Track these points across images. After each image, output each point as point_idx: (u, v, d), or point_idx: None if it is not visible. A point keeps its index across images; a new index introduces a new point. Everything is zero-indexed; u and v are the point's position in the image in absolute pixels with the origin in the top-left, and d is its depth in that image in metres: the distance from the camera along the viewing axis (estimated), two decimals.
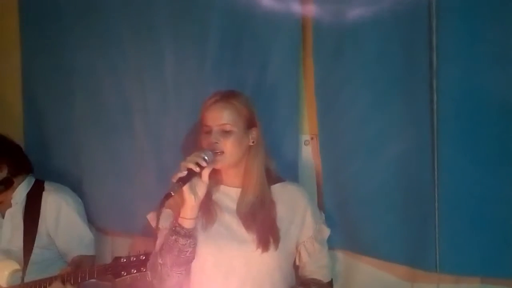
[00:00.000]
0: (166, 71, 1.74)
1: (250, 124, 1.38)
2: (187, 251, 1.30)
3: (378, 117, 1.43)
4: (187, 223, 1.30)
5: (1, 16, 2.31)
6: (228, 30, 1.63)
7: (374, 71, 1.41)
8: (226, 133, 1.33)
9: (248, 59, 1.61)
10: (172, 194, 1.21)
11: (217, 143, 1.32)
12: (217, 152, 1.32)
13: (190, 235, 1.30)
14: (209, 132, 1.34)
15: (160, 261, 1.31)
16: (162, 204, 1.20)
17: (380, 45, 1.40)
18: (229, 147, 1.33)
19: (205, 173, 1.29)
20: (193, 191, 1.28)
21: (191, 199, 1.28)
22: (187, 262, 1.32)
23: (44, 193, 1.89)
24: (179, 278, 1.33)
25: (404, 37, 1.37)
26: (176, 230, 1.30)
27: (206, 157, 1.27)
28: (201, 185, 1.30)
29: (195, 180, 1.27)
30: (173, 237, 1.29)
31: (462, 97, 1.30)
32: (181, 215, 1.31)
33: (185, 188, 1.26)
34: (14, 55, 2.26)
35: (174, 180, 1.23)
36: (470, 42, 1.28)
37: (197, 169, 1.25)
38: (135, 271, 1.53)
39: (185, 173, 1.24)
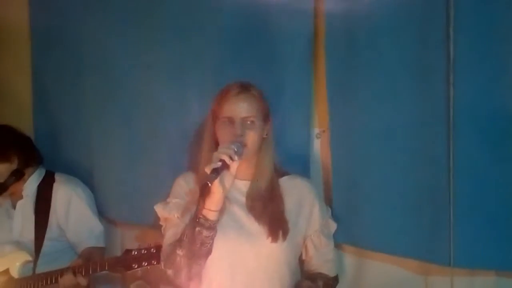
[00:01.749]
0: (178, 63, 1.73)
1: (266, 116, 1.38)
2: (209, 243, 1.30)
3: (392, 110, 1.40)
4: (212, 215, 1.29)
5: (10, 9, 2.31)
6: (239, 23, 1.60)
7: (388, 63, 1.38)
8: (249, 125, 1.33)
9: (259, 51, 1.59)
10: (210, 184, 1.21)
11: (242, 135, 1.31)
12: (244, 145, 1.31)
13: (213, 227, 1.30)
14: (230, 124, 1.32)
15: (179, 252, 1.30)
16: (201, 195, 1.21)
17: (394, 37, 1.36)
18: (252, 139, 1.33)
19: (234, 166, 1.28)
20: (222, 183, 1.27)
21: (219, 191, 1.27)
22: (207, 254, 1.32)
23: (54, 185, 1.90)
24: (198, 270, 1.33)
25: (419, 28, 1.33)
26: (200, 222, 1.29)
27: (236, 149, 1.26)
28: (229, 178, 1.29)
29: (223, 172, 1.26)
30: (197, 229, 1.28)
31: (479, 89, 1.27)
32: (206, 207, 1.29)
33: (215, 180, 1.24)
34: (23, 47, 2.26)
35: (208, 171, 1.22)
36: (489, 33, 1.24)
37: (230, 162, 1.24)
38: (146, 263, 1.53)
39: (219, 164, 1.23)
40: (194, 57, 1.69)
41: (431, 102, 1.33)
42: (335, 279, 1.47)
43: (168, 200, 1.45)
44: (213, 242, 1.31)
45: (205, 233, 1.28)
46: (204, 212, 1.29)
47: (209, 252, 1.31)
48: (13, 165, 1.83)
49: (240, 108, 1.32)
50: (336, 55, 1.48)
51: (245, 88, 1.35)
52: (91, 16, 1.95)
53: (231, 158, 1.24)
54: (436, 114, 1.32)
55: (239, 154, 1.27)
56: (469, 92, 1.28)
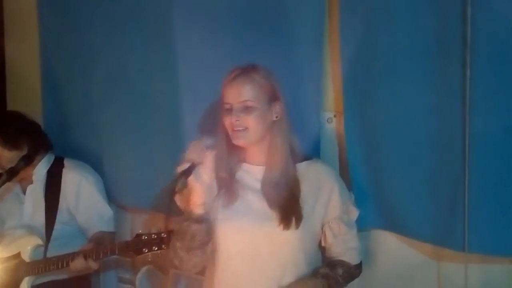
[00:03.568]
0: (187, 47, 1.71)
1: (273, 97, 1.33)
2: (200, 236, 1.30)
3: (408, 93, 1.37)
4: (196, 209, 1.31)
5: None
6: (251, 4, 1.58)
7: (405, 45, 1.35)
8: (247, 109, 1.30)
9: (271, 33, 1.57)
10: (177, 190, 1.24)
11: (238, 120, 1.29)
12: (239, 130, 1.30)
13: (201, 220, 1.30)
14: (229, 109, 1.31)
15: (178, 244, 1.32)
16: (170, 199, 1.23)
17: (411, 17, 1.33)
18: (252, 123, 1.30)
19: (208, 157, 1.30)
20: (198, 178, 1.29)
21: (197, 186, 1.29)
22: (202, 246, 1.32)
23: (64, 170, 1.91)
24: (198, 259, 1.34)
25: (437, 9, 1.30)
26: (187, 216, 1.31)
27: (205, 145, 1.29)
28: (205, 169, 1.31)
29: (195, 169, 1.28)
30: (186, 223, 1.30)
31: (497, 70, 1.24)
32: (191, 202, 1.31)
33: (190, 177, 1.26)
34: (32, 33, 2.27)
35: (178, 174, 1.25)
36: (508, 15, 1.21)
37: (198, 160, 1.27)
38: (156, 248, 1.53)
39: (186, 166, 1.26)
40: (205, 40, 1.67)
41: (448, 83, 1.31)
42: (357, 267, 1.42)
43: None
44: (206, 234, 1.31)
45: (193, 226, 1.29)
46: (190, 206, 1.31)
47: (203, 244, 1.31)
48: (23, 152, 1.85)
49: (236, 92, 1.30)
50: (351, 36, 1.44)
51: (244, 71, 1.31)
52: (101, 2, 1.93)
53: (200, 156, 1.27)
54: (453, 96, 1.29)
55: (210, 146, 1.30)
56: (486, 73, 1.25)
